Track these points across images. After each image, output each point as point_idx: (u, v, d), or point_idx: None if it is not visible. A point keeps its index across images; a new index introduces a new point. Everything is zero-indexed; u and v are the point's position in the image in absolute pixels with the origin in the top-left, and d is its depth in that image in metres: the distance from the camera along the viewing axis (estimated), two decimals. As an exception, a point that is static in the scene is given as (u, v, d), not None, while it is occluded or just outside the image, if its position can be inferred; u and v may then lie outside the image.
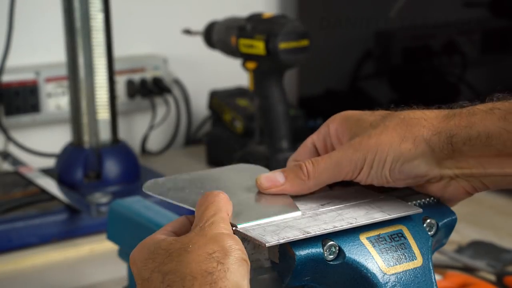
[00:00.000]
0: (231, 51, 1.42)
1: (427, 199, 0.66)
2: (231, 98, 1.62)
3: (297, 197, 0.66)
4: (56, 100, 1.59)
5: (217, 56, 1.53)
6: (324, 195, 0.66)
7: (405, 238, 0.61)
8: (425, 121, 0.63)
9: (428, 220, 0.64)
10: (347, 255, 0.59)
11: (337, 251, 0.59)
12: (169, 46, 1.76)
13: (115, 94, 1.38)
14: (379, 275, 0.59)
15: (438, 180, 0.64)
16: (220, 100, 1.63)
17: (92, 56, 1.34)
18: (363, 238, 0.60)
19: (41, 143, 1.59)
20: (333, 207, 0.64)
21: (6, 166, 1.50)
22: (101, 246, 1.18)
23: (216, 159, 1.61)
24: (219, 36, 1.45)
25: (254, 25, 1.36)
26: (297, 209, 0.63)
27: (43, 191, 1.30)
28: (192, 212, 0.62)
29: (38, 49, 1.61)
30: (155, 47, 1.75)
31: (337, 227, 0.59)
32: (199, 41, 1.54)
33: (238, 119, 1.56)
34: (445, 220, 0.65)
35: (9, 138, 1.55)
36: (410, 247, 0.61)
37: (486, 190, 0.65)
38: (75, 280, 1.11)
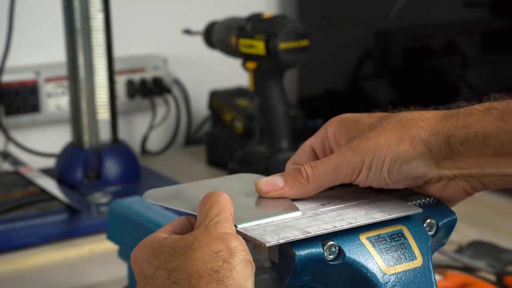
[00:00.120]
0: (231, 51, 1.42)
1: (427, 199, 0.66)
2: (231, 98, 1.62)
3: (297, 197, 0.66)
4: (56, 100, 1.59)
5: (217, 56, 1.53)
6: (324, 195, 0.66)
7: (405, 238, 0.61)
8: (423, 122, 0.63)
9: (428, 220, 0.64)
10: (347, 255, 0.59)
11: (337, 251, 0.59)
12: (169, 46, 1.76)
13: (115, 94, 1.38)
14: (379, 275, 0.59)
15: (437, 180, 0.64)
16: (220, 100, 1.63)
17: (92, 56, 1.34)
18: (363, 238, 0.60)
19: (41, 143, 1.59)
20: (333, 207, 0.64)
21: (6, 166, 1.50)
22: (101, 246, 1.18)
23: (216, 159, 1.61)
24: (219, 36, 1.45)
25: (254, 25, 1.36)
26: (297, 209, 0.63)
27: (43, 191, 1.30)
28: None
29: (38, 49, 1.61)
30: (155, 47, 1.75)
31: (337, 227, 0.59)
32: (199, 41, 1.54)
33: (238, 119, 1.56)
34: (445, 220, 0.65)
35: (9, 138, 1.55)
36: (410, 247, 0.61)
37: (485, 190, 0.65)
38: (75, 280, 1.11)
